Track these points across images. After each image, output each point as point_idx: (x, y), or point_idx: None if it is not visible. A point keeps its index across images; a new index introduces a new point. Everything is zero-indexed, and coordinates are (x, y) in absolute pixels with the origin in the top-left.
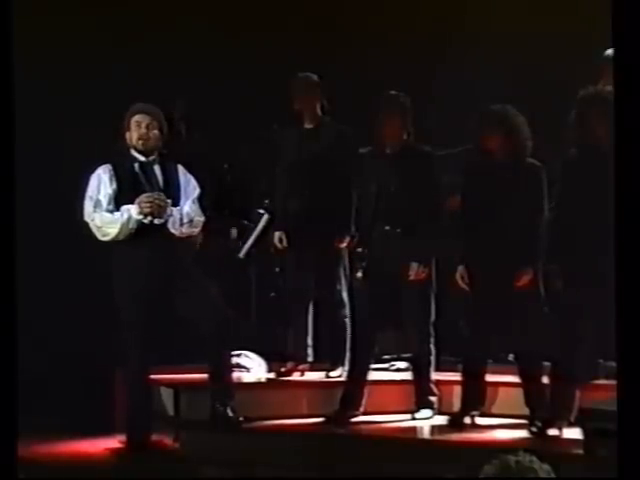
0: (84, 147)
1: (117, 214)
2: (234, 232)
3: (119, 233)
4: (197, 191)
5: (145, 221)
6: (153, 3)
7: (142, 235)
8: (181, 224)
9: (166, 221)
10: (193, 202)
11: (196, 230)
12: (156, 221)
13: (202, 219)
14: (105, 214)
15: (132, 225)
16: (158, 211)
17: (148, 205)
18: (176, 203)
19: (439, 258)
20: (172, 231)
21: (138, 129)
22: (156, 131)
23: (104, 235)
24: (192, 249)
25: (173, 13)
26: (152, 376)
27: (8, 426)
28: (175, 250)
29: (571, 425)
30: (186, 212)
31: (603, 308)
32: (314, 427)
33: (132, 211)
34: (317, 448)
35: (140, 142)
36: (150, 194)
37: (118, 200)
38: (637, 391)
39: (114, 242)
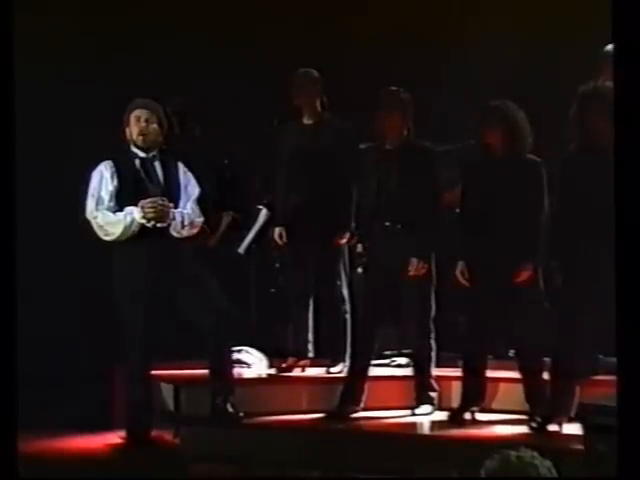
0: (85, 144)
1: (120, 215)
2: (225, 223)
3: (121, 234)
4: (197, 190)
5: (148, 225)
6: (152, 1)
7: (142, 234)
8: (182, 227)
9: (168, 225)
10: (193, 203)
11: (195, 231)
12: (159, 225)
13: (201, 220)
14: (108, 214)
15: (134, 228)
16: (161, 216)
17: (152, 210)
18: (176, 203)
19: (439, 254)
20: (173, 234)
21: (137, 123)
22: (155, 125)
23: (106, 235)
24: (193, 246)
25: (172, 10)
26: (152, 372)
27: (8, 422)
28: (175, 247)
29: (571, 421)
30: (187, 214)
31: (603, 304)
32: (314, 423)
33: (135, 214)
34: (317, 444)
35: (140, 137)
36: (154, 199)
37: (120, 197)
38: (637, 387)
39: (115, 241)
